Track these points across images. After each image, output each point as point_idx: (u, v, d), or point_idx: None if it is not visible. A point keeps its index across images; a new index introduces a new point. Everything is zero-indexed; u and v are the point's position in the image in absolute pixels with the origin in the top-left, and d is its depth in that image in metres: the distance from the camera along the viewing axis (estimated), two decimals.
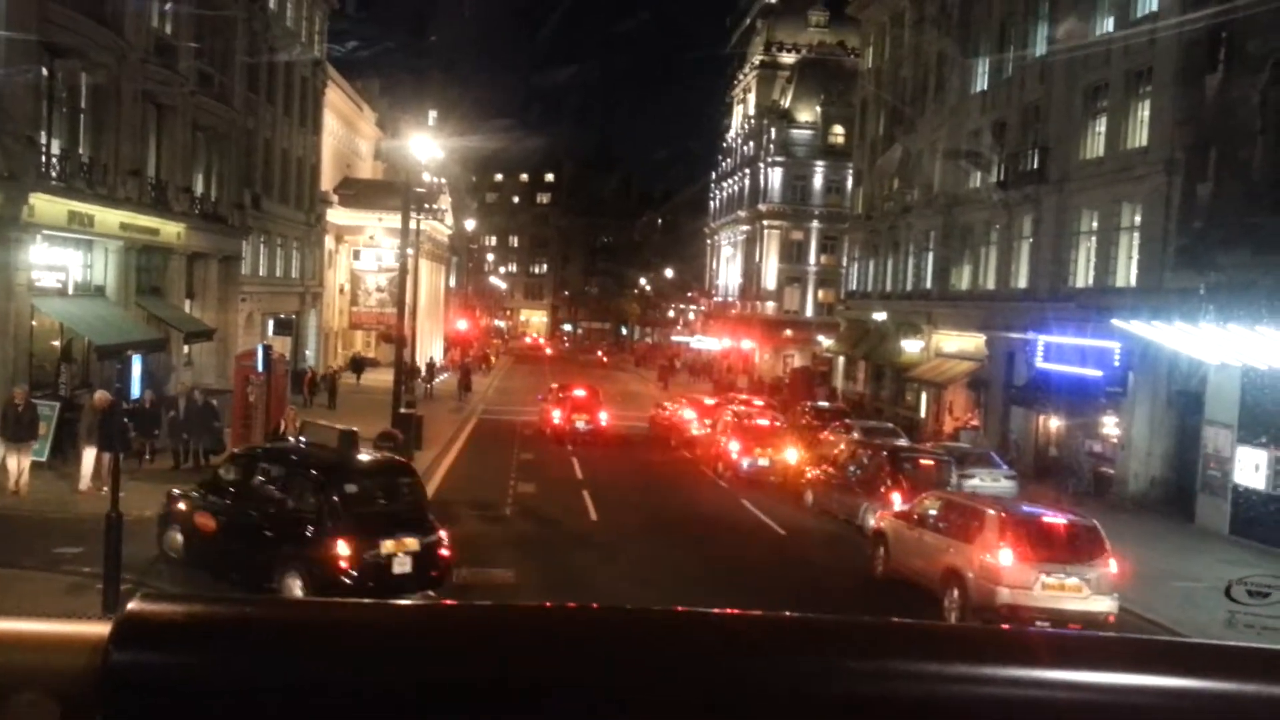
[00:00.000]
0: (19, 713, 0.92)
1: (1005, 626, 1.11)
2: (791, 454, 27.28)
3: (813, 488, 24.11)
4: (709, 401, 38.06)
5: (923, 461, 22.39)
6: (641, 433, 36.98)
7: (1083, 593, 13.90)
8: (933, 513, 16.12)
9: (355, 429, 14.99)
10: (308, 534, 12.70)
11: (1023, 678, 0.94)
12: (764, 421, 30.74)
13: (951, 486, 20.49)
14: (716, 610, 1.03)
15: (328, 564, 12.36)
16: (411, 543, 12.88)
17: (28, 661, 0.94)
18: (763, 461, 27.39)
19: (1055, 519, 15.00)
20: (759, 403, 38.64)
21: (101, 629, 0.93)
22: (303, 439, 15.08)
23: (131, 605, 0.94)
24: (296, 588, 12.42)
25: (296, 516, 13.02)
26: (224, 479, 14.29)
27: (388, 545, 12.69)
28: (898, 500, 19.59)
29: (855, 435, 29.68)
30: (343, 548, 12.37)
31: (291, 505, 13.30)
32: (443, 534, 13.55)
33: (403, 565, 12.74)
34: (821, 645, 0.98)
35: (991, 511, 14.86)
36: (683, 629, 1.02)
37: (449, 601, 1.08)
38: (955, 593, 14.53)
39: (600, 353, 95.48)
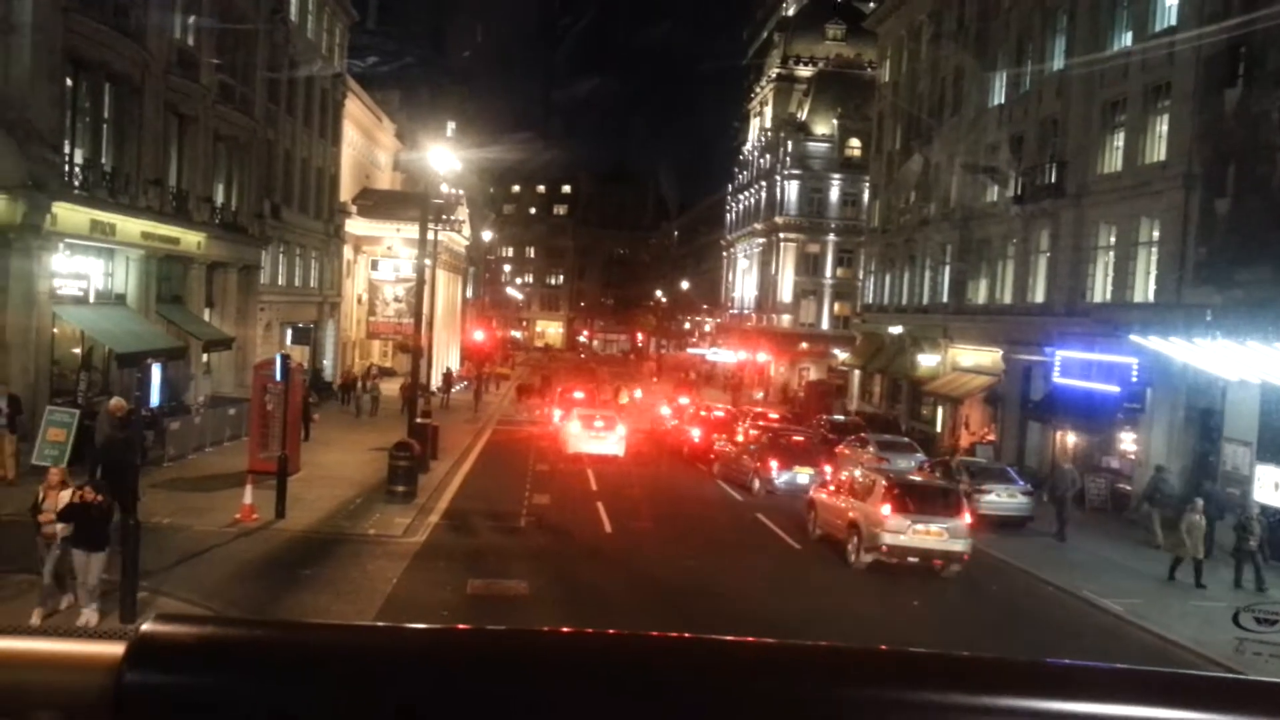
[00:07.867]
0: None
1: (1018, 658, 1.12)
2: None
3: (718, 460, 30.53)
4: (683, 401, 45.81)
5: (795, 439, 29.56)
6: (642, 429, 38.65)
7: (944, 537, 17.98)
8: (844, 484, 20.69)
9: None
10: None
11: (1032, 709, 0.95)
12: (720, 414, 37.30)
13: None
14: (722, 638, 1.04)
15: None
16: None
17: (42, 680, 0.94)
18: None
19: (926, 485, 20.02)
20: (774, 416, 38.55)
21: (116, 648, 0.93)
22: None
23: (146, 626, 0.95)
24: None
25: None
26: None
27: None
28: (775, 467, 26.22)
29: (871, 450, 29.71)
30: None
31: None
32: None
33: None
34: (827, 672, 0.99)
35: (880, 480, 19.47)
36: (687, 656, 1.02)
37: (463, 626, 1.08)
38: (855, 539, 18.83)
39: (633, 357, 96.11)
